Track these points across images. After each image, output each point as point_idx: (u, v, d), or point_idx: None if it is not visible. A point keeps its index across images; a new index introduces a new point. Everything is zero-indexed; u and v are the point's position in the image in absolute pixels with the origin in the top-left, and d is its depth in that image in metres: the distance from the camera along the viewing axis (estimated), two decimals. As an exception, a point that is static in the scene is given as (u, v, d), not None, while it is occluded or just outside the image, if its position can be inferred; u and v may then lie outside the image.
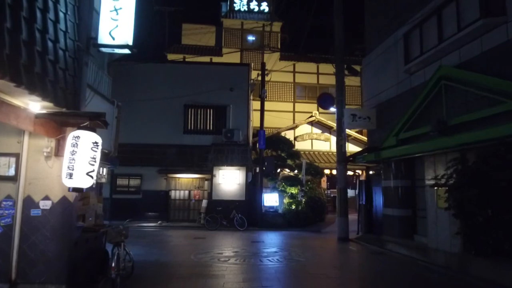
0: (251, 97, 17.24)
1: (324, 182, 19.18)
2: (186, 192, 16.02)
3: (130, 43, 5.71)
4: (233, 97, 16.27)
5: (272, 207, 15.58)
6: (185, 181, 15.91)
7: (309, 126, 20.30)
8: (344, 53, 12.38)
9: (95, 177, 4.36)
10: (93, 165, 4.30)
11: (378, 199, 11.50)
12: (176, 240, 11.30)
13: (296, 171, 16.38)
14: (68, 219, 5.20)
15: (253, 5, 27.82)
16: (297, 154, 16.37)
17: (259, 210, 15.05)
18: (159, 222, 15.13)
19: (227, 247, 10.09)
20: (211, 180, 15.29)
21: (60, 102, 4.75)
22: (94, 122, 4.76)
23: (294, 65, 26.90)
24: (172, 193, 15.99)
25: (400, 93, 10.04)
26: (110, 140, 8.39)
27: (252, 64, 17.84)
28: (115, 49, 5.89)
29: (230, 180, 15.19)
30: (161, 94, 15.96)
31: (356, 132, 20.08)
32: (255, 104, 22.79)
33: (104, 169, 8.46)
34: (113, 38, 5.61)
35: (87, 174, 4.23)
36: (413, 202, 9.96)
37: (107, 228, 6.55)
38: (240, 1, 27.67)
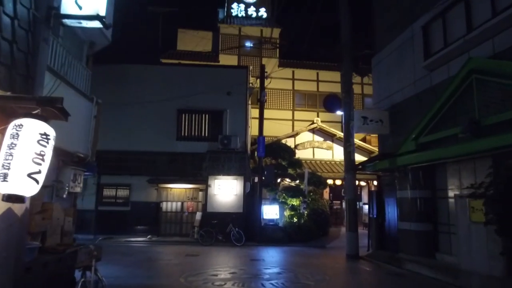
0: (249, 102, 16.14)
1: (326, 193, 17.97)
2: (179, 203, 14.76)
3: (102, 13, 4.58)
4: (230, 101, 15.17)
5: (272, 220, 14.32)
6: (177, 191, 14.66)
7: (311, 134, 19.17)
8: (351, 51, 11.33)
9: (41, 182, 3.17)
10: (39, 164, 3.11)
11: (392, 212, 10.32)
12: (166, 258, 10.01)
13: (297, 181, 15.17)
14: (15, 238, 3.97)
15: (251, 11, 27.00)
16: (298, 163, 15.20)
17: (258, 223, 13.79)
18: (148, 236, 13.82)
19: (222, 267, 8.83)
20: (205, 190, 14.06)
21: (3, 83, 3.58)
22: (48, 111, 3.59)
23: (293, 72, 26.09)
24: (164, 205, 14.72)
25: (418, 93, 8.96)
26: (87, 143, 7.18)
27: (251, 67, 16.77)
28: (82, 22, 4.75)
29: (226, 190, 13.96)
30: (152, 98, 14.83)
31: (360, 140, 18.99)
32: (254, 112, 21.74)
33: (80, 176, 7.23)
34: (80, 8, 4.47)
35: (30, 176, 3.04)
36: (434, 215, 8.81)
37: (76, 248, 5.30)
38: (237, 7, 26.85)
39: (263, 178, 14.01)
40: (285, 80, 25.47)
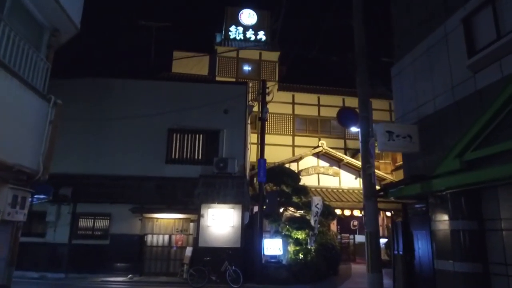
0: (249, 122, 14.53)
1: (333, 225, 16.03)
2: (166, 236, 12.76)
3: None
4: (227, 120, 13.56)
5: (274, 256, 12.31)
6: (165, 222, 12.69)
7: (315, 159, 17.49)
8: (366, 59, 9.86)
9: None
10: None
11: (424, 248, 8.44)
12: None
13: (303, 211, 13.30)
14: None
15: (250, 34, 26.09)
16: (304, 190, 13.38)
17: (258, 260, 11.78)
18: (129, 276, 11.75)
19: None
20: (197, 221, 12.12)
21: None
22: None
23: (293, 96, 24.99)
24: (149, 238, 12.72)
25: (458, 100, 7.37)
26: (37, 155, 5.39)
27: (250, 83, 15.30)
28: None
29: (221, 221, 12.03)
30: (140, 116, 13.21)
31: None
32: (252, 138, 20.17)
33: (25, 199, 5.40)
34: None
35: None
36: (483, 253, 6.97)
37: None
38: (235, 30, 25.95)
39: (264, 207, 12.15)
40: (285, 104, 24.27)
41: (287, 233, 12.80)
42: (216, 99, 13.63)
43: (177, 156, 13.27)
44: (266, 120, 12.91)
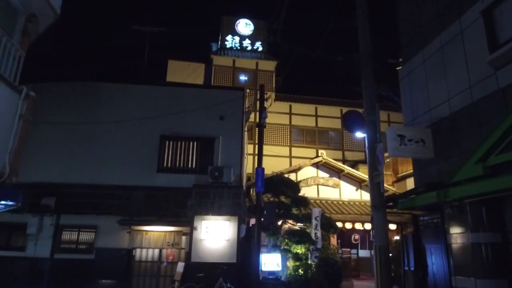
0: (246, 129, 13.84)
1: (334, 239, 15.20)
2: (156, 251, 11.86)
3: None
4: (223, 127, 12.86)
5: (272, 272, 11.46)
6: (155, 236, 11.81)
7: (314, 169, 16.80)
8: (372, 59, 9.29)
9: None
10: None
11: (439, 263, 7.71)
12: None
13: (302, 224, 12.52)
14: None
15: (246, 44, 25.70)
16: (304, 201, 12.62)
17: (255, 277, 10.91)
18: (115, 294, 10.79)
19: None
20: (190, 234, 11.27)
21: None
22: None
23: (290, 106, 24.56)
24: (137, 253, 11.81)
25: (476, 100, 6.77)
26: (3, 154, 4.63)
27: (247, 91, 14.66)
28: None
29: (216, 234, 11.20)
30: (131, 122, 12.47)
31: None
32: (248, 148, 19.50)
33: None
34: None
35: None
36: (508, 269, 6.27)
37: None
38: (232, 39, 25.56)
39: (262, 219, 11.35)
40: (282, 115, 23.78)
41: (286, 247, 11.99)
42: (212, 105, 12.96)
43: (169, 165, 12.49)
44: (265, 127, 12.22)
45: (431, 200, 7.11)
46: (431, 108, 7.98)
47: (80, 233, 11.78)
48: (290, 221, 12.33)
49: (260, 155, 11.89)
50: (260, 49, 26.23)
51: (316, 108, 24.72)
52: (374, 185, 8.50)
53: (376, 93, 9.24)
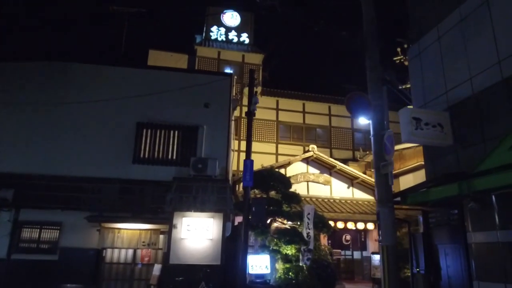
0: (233, 118, 12.68)
1: (324, 239, 14.20)
2: (130, 251, 10.56)
3: None
4: (208, 115, 11.67)
5: (261, 275, 10.32)
6: (129, 234, 10.49)
7: (304, 165, 15.79)
8: (377, 38, 8.31)
9: None
10: None
11: (455, 266, 6.76)
12: None
13: (291, 222, 11.43)
14: None
15: (232, 36, 24.58)
16: (296, 198, 11.53)
17: (241, 280, 9.70)
18: (81, 300, 9.44)
19: None
20: (169, 233, 10.03)
21: None
22: None
23: (277, 101, 23.59)
24: (108, 253, 10.48)
25: (508, 77, 5.83)
26: None
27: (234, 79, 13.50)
28: None
29: (198, 233, 9.99)
30: (104, 106, 11.15)
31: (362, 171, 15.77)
32: (244, 145, 18.33)
33: None
34: None
35: None
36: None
37: None
38: (217, 30, 24.38)
39: (250, 217, 10.18)
40: (268, 110, 22.75)
41: (275, 247, 10.88)
42: (196, 91, 11.76)
43: (146, 155, 11.20)
44: (254, 115, 11.07)
45: (450, 193, 6.14)
46: (448, 89, 7.06)
47: (42, 230, 10.36)
48: (280, 219, 11.22)
49: (248, 145, 10.73)
50: (247, 41, 25.15)
51: (303, 104, 23.87)
52: (381, 177, 7.48)
53: (382, 76, 8.26)
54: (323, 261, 11.14)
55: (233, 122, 12.67)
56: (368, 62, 8.35)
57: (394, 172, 16.08)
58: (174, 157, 11.29)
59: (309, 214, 11.16)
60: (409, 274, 8.32)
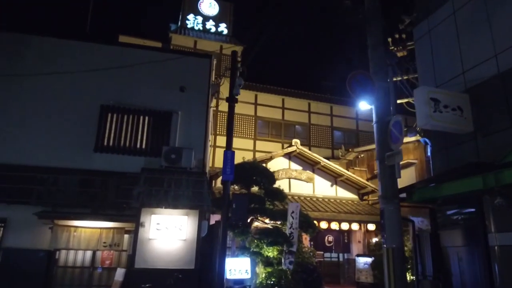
0: (212, 105, 11.46)
1: (306, 240, 13.21)
2: (88, 253, 9.09)
3: None
4: (183, 100, 10.39)
5: (240, 281, 9.14)
6: (88, 233, 9.03)
7: (287, 160, 14.76)
8: (380, 13, 7.37)
9: None
10: None
11: (472, 271, 5.88)
12: None
13: (274, 221, 10.35)
14: None
15: (210, 25, 23.28)
16: (281, 194, 10.43)
17: (218, 287, 8.53)
18: (27, 311, 7.91)
19: None
20: (135, 232, 8.66)
21: None
22: None
23: (256, 95, 22.50)
24: (62, 255, 8.98)
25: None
26: None
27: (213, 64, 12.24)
28: None
29: (170, 232, 8.69)
30: (63, 85, 9.66)
31: (348, 168, 14.89)
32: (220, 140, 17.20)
33: None
34: None
35: None
36: None
37: None
38: (194, 19, 23.01)
39: (230, 214, 8.98)
40: (246, 104, 21.60)
41: (256, 249, 9.75)
42: (171, 73, 10.48)
43: (111, 143, 9.77)
44: (237, 102, 9.88)
45: (472, 187, 5.24)
46: (465, 70, 6.20)
47: (-18, 228, 8.72)
48: (262, 218, 10.09)
49: (229, 134, 9.54)
50: (225, 32, 23.92)
51: (283, 100, 22.96)
52: (386, 170, 6.52)
53: (384, 55, 7.32)
54: (308, 265, 10.12)
55: (212, 110, 11.44)
56: (370, 40, 7.40)
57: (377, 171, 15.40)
58: (144, 146, 9.92)
59: (293, 212, 10.11)
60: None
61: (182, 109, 10.26)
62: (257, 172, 9.89)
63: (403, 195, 6.63)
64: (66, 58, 10.02)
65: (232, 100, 9.62)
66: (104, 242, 8.97)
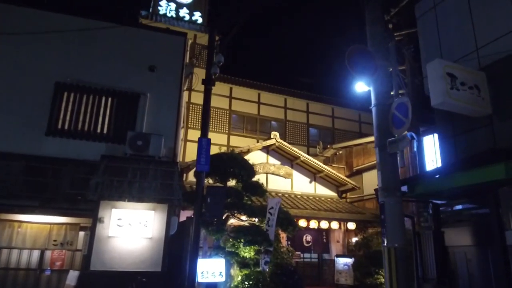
0: (185, 88, 10.34)
1: (283, 240, 12.30)
2: (36, 253, 7.81)
3: None
4: (153, 81, 9.22)
5: (213, 284, 8.10)
6: (34, 230, 7.71)
7: (265, 154, 13.84)
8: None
9: None
10: None
11: (484, 274, 5.15)
12: None
13: (252, 218, 9.40)
14: None
15: (183, 13, 21.99)
16: (261, 188, 9.46)
17: (188, 292, 7.46)
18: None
19: None
20: (92, 229, 7.41)
21: None
22: None
23: (231, 88, 21.48)
24: (3, 255, 7.66)
25: None
26: None
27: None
28: None
29: (133, 229, 7.53)
30: (11, 57, 8.26)
31: (329, 165, 14.16)
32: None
33: None
34: None
35: None
36: None
37: None
38: (167, 6, 21.64)
39: (204, 210, 7.92)
40: (221, 97, 20.54)
41: (231, 249, 8.74)
42: (140, 50, 9.31)
43: (66, 126, 8.45)
44: (214, 85, 8.83)
45: (491, 177, 4.50)
46: (480, 46, 5.51)
47: None
48: (238, 215, 9.08)
49: (205, 120, 8.49)
50: (200, 21, 22.70)
51: (259, 94, 22.10)
52: (387, 158, 5.71)
53: (383, 30, 6.54)
54: (289, 266, 9.23)
55: (185, 93, 10.32)
56: (367, 15, 6.60)
57: (357, 168, 14.81)
58: (106, 130, 8.66)
59: (272, 208, 9.20)
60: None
61: (151, 91, 9.08)
62: (235, 164, 8.86)
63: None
64: (13, 26, 8.58)
65: (209, 81, 8.57)
66: (55, 240, 7.69)
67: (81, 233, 7.90)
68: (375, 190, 6.08)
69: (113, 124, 8.73)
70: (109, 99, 8.86)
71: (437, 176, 5.43)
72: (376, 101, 6.03)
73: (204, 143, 8.21)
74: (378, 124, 5.97)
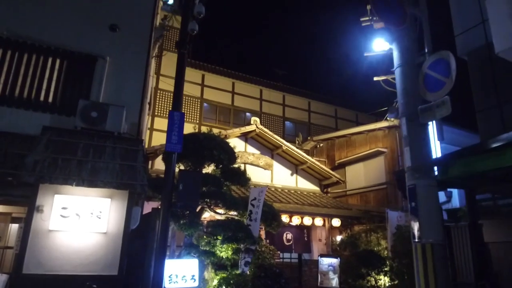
0: (154, 54, 8.74)
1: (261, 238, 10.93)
2: None
3: None
4: (114, 42, 7.57)
5: (183, 292, 6.57)
6: None
7: (243, 142, 12.42)
8: None
9: None
10: None
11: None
12: None
13: (231, 212, 7.95)
14: None
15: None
16: (243, 175, 8.00)
17: (152, 301, 5.90)
18: None
19: None
20: (27, 220, 5.69)
21: None
22: None
23: (203, 76, 20.03)
24: None
25: None
26: None
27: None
28: None
29: (82, 222, 5.89)
30: None
31: (315, 157, 12.97)
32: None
33: None
34: None
35: None
36: None
37: None
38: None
39: (174, 199, 6.37)
40: (192, 85, 19.01)
41: (206, 248, 7.25)
42: (99, 5, 7.62)
43: (1, 91, 6.65)
44: (188, 50, 7.32)
45: None
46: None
47: None
48: (216, 207, 7.60)
49: (178, 89, 6.97)
50: (171, 2, 20.89)
51: (233, 84, 20.81)
52: (417, 132, 4.51)
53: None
54: (273, 268, 7.84)
55: (153, 60, 8.72)
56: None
57: (339, 161, 13.70)
58: (51, 98, 6.91)
59: (255, 199, 7.81)
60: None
61: (112, 54, 7.43)
62: (214, 145, 7.35)
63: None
64: None
65: (184, 44, 7.05)
66: (-26, 236, 5.88)
67: (13, 226, 6.13)
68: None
69: (61, 91, 7.00)
70: (57, 61, 7.11)
71: (481, 154, 4.27)
72: (402, 60, 4.81)
73: (176, 117, 6.67)
74: (403, 88, 4.75)
